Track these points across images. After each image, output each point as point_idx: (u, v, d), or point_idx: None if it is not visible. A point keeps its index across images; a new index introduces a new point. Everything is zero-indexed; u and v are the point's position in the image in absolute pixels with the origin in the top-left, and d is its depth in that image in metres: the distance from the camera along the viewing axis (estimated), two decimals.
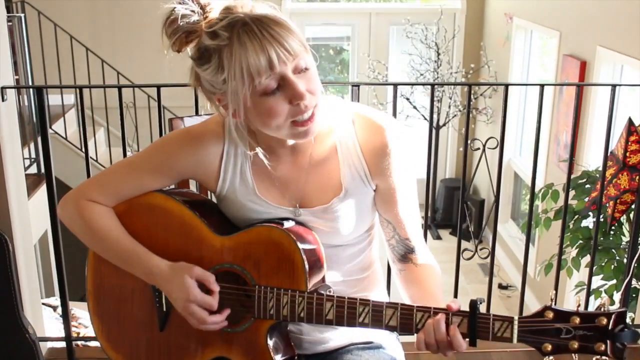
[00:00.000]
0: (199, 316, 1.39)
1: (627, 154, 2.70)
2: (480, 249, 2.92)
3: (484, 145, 2.62)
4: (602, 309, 1.23)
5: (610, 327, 1.21)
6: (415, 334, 1.34)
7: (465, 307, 1.32)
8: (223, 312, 1.42)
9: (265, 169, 1.46)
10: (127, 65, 6.51)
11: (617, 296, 3.27)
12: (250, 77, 1.26)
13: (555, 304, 1.26)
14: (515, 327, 1.26)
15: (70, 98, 6.47)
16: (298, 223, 1.46)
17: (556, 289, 2.87)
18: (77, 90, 5.30)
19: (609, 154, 2.74)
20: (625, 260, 3.22)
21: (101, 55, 6.16)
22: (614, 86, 2.56)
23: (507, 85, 2.58)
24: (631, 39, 4.26)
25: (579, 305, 1.25)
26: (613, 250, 3.25)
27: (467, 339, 1.30)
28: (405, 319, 1.33)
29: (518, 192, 6.98)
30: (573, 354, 1.25)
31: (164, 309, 1.50)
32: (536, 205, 6.42)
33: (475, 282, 6.73)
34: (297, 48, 1.28)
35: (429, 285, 1.47)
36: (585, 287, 3.50)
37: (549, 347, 1.24)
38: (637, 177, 2.70)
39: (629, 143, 2.66)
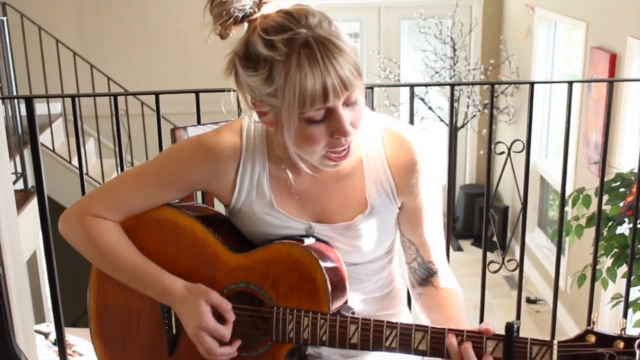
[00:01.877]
0: (209, 346, 1.41)
1: None
2: (508, 261, 2.92)
3: (509, 149, 2.63)
4: None
5: None
6: None
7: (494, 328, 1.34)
8: (234, 344, 1.44)
9: (284, 181, 1.48)
10: (119, 70, 6.55)
11: (620, 320, 3.27)
12: (301, 103, 1.27)
13: (595, 327, 1.28)
14: (555, 352, 1.28)
15: (56, 107, 6.51)
16: (319, 240, 1.48)
17: (591, 303, 2.90)
18: (65, 100, 5.35)
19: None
20: None
21: (90, 60, 6.19)
22: None
23: (532, 84, 2.60)
24: None
25: (623, 329, 1.27)
26: None
27: None
28: (436, 343, 1.35)
29: (545, 198, 6.98)
30: None
31: (174, 332, 1.52)
32: (566, 212, 6.44)
33: (501, 297, 6.72)
34: (353, 80, 1.29)
35: (452, 309, 1.49)
36: (623, 299, 3.50)
37: None
38: None
39: None
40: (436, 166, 1.51)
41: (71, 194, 2.74)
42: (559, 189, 6.32)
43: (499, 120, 7.56)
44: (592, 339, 1.27)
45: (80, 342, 4.07)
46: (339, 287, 1.44)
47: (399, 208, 1.51)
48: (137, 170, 1.54)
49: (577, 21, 5.69)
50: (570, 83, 2.56)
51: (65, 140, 6.20)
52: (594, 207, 3.72)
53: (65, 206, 5.36)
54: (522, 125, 6.60)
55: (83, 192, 2.64)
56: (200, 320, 1.41)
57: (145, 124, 5.94)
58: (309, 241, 1.46)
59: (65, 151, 6.02)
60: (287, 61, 1.26)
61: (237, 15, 1.34)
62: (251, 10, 1.34)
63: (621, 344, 1.25)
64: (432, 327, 1.35)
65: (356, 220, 1.47)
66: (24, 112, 2.60)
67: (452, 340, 1.33)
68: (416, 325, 1.37)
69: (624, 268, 3.45)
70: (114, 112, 2.66)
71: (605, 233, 3.38)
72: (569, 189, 5.65)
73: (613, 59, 4.97)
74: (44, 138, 6.00)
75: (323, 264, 1.40)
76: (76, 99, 2.61)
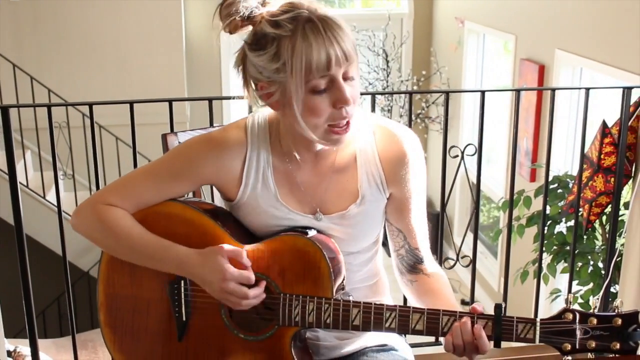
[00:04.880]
0: (240, 292, 1.50)
1: (602, 157, 2.94)
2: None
3: (463, 152, 2.82)
4: (616, 311, 1.44)
5: (624, 327, 1.42)
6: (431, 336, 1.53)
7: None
8: (260, 284, 1.54)
9: (287, 174, 1.61)
10: (59, 82, 6.49)
11: (593, 301, 3.51)
12: (308, 72, 1.42)
13: (571, 306, 1.47)
14: (538, 328, 1.46)
15: None
16: (318, 231, 1.61)
17: (537, 297, 3.11)
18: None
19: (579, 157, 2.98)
20: (600, 264, 3.47)
21: (30, 71, 6.13)
22: (587, 89, 2.82)
23: (483, 92, 2.80)
24: (589, 41, 4.57)
25: (595, 308, 1.46)
26: (588, 254, 3.50)
27: (492, 342, 1.48)
28: (432, 323, 1.50)
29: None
30: (590, 353, 1.46)
31: (183, 319, 1.62)
32: (498, 217, 6.72)
33: None
34: (352, 53, 1.46)
35: (444, 294, 1.65)
36: (560, 293, 3.75)
37: (569, 347, 1.45)
38: (612, 179, 2.94)
39: (604, 145, 2.90)
40: (422, 160, 1.66)
41: (7, 206, 2.76)
42: (490, 195, 6.63)
43: (430, 129, 7.83)
44: (570, 316, 1.45)
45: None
46: (339, 274, 1.58)
47: (388, 198, 1.66)
48: (149, 166, 1.65)
49: (506, 34, 5.98)
50: (518, 91, 2.78)
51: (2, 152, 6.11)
52: (533, 209, 3.97)
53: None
54: (454, 134, 6.85)
55: (17, 205, 2.64)
56: (224, 273, 1.49)
57: (86, 136, 5.94)
58: (311, 233, 1.59)
59: (3, 162, 5.94)
60: (292, 36, 1.42)
61: (244, 14, 1.48)
62: (256, 9, 1.49)
63: (595, 321, 1.43)
64: (427, 309, 1.51)
65: (349, 210, 1.62)
66: None
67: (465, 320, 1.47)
68: (413, 307, 1.52)
69: (563, 264, 3.70)
70: (55, 124, 2.64)
71: (544, 231, 3.61)
72: (500, 194, 5.93)
73: (542, 70, 5.27)
74: None
75: (326, 254, 1.55)
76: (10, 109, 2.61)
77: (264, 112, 1.64)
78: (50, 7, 6.74)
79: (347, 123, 1.51)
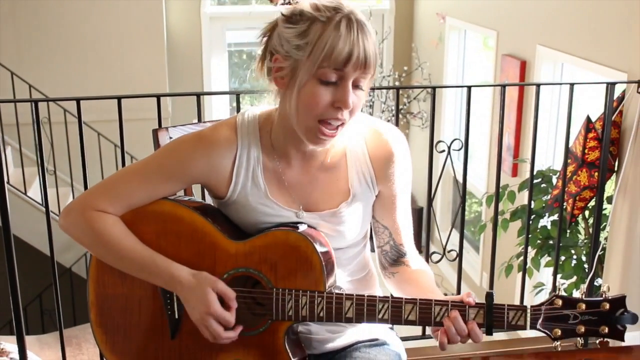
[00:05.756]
0: (215, 330, 1.53)
1: (586, 151, 2.97)
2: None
3: (449, 147, 2.84)
4: (604, 296, 1.47)
5: (612, 311, 1.45)
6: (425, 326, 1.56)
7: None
8: (236, 329, 1.56)
9: (276, 172, 1.62)
10: (40, 77, 6.42)
11: (576, 294, 3.55)
12: (325, 58, 1.44)
13: (560, 292, 1.49)
14: (529, 315, 1.48)
15: None
16: (309, 227, 1.62)
17: (522, 290, 3.14)
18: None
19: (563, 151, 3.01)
20: (583, 258, 3.51)
21: (10, 67, 6.09)
22: (572, 85, 2.84)
23: (469, 87, 2.82)
24: (571, 37, 4.61)
25: (583, 293, 1.49)
26: (571, 248, 3.54)
27: (483, 329, 1.51)
28: (425, 313, 1.52)
29: (458, 199, 7.28)
30: (579, 337, 1.49)
31: (176, 316, 1.63)
32: (480, 212, 6.76)
33: None
34: (372, 63, 1.47)
35: (425, 282, 1.67)
36: (544, 287, 3.79)
37: (559, 332, 1.48)
38: (596, 174, 2.98)
39: (588, 140, 2.93)
40: (409, 159, 1.69)
41: None
42: (471, 190, 6.66)
43: (412, 124, 7.86)
44: (559, 302, 1.48)
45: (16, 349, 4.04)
46: (330, 268, 1.59)
47: (376, 196, 1.68)
48: (138, 165, 1.64)
49: (488, 30, 6.01)
50: (504, 86, 2.80)
51: None
52: (517, 203, 4.01)
53: None
54: (435, 129, 6.86)
55: (4, 204, 2.63)
56: (208, 307, 1.52)
57: (68, 132, 5.90)
58: (302, 227, 1.60)
59: None
60: (327, 22, 1.45)
61: None
62: None
63: (583, 306, 1.47)
64: (420, 299, 1.52)
65: (340, 208, 1.63)
66: None
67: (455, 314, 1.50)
68: (406, 298, 1.54)
69: (546, 258, 3.73)
70: (34, 119, 2.63)
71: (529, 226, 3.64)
72: (483, 190, 5.97)
73: (523, 66, 5.30)
74: None
75: (318, 248, 1.56)
76: None
77: (254, 110, 1.65)
78: (30, 2, 6.67)
79: (337, 127, 1.52)
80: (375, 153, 1.64)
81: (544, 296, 4.15)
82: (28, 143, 6.03)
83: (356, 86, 1.49)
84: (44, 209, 2.72)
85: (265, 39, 1.55)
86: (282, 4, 1.51)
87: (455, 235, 7.21)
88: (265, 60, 1.55)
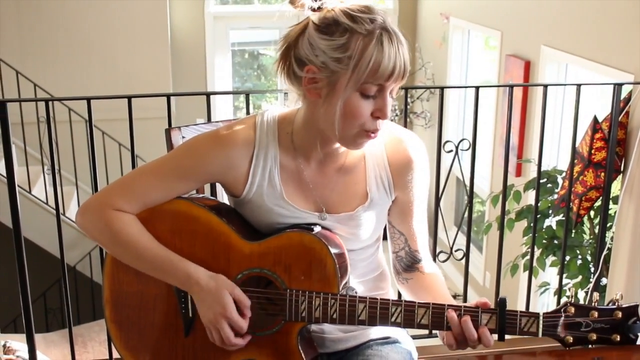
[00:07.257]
0: (226, 334, 1.54)
1: (592, 152, 2.98)
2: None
3: (457, 147, 2.85)
4: (617, 304, 1.48)
5: (624, 320, 1.47)
6: (438, 331, 1.58)
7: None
8: (245, 337, 1.58)
9: (293, 173, 1.62)
10: (44, 76, 6.44)
11: (581, 294, 3.57)
12: (371, 74, 1.44)
13: (573, 301, 1.50)
14: (541, 322, 1.49)
15: None
16: (324, 228, 1.63)
17: (529, 290, 3.15)
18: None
19: (570, 152, 3.02)
20: (589, 258, 3.52)
21: (15, 66, 6.10)
22: (578, 85, 2.85)
23: (477, 87, 2.83)
24: (575, 37, 4.61)
25: (596, 301, 1.50)
26: (576, 248, 3.55)
27: (495, 335, 1.52)
28: (437, 317, 1.53)
29: (461, 199, 7.31)
30: (591, 345, 1.50)
31: (190, 315, 1.63)
32: (483, 211, 6.77)
33: None
34: (407, 72, 1.49)
35: (439, 291, 1.68)
36: (549, 286, 3.80)
37: (571, 340, 1.49)
38: (602, 174, 2.99)
39: (594, 140, 2.94)
40: (427, 166, 1.70)
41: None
42: (476, 190, 6.65)
43: (415, 124, 7.87)
44: (572, 310, 1.49)
45: (24, 347, 4.05)
46: (344, 270, 1.60)
47: (392, 202, 1.69)
48: (155, 164, 1.64)
49: (492, 30, 6.01)
50: (512, 87, 2.82)
51: None
52: (521, 203, 4.01)
53: None
54: (437, 129, 6.85)
55: (15, 204, 2.65)
56: (224, 310, 1.53)
57: (72, 131, 5.92)
58: (317, 229, 1.60)
59: None
60: (367, 36, 1.43)
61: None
62: (329, 3, 1.49)
63: (595, 314, 1.48)
64: (433, 304, 1.53)
65: (357, 211, 1.64)
66: None
67: (452, 314, 1.52)
68: (419, 302, 1.55)
69: (551, 258, 3.74)
70: (42, 118, 2.65)
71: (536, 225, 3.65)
72: (486, 189, 5.98)
73: (527, 66, 5.30)
74: None
75: (332, 250, 1.56)
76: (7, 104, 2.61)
77: (274, 111, 1.65)
78: (34, 1, 6.68)
79: (377, 130, 1.53)
80: (394, 159, 1.64)
81: (548, 296, 4.16)
82: (32, 142, 6.04)
83: (391, 94, 1.51)
84: (48, 208, 2.75)
85: (286, 44, 1.54)
86: (311, 10, 1.50)
87: (460, 235, 7.24)
88: (291, 66, 1.53)
